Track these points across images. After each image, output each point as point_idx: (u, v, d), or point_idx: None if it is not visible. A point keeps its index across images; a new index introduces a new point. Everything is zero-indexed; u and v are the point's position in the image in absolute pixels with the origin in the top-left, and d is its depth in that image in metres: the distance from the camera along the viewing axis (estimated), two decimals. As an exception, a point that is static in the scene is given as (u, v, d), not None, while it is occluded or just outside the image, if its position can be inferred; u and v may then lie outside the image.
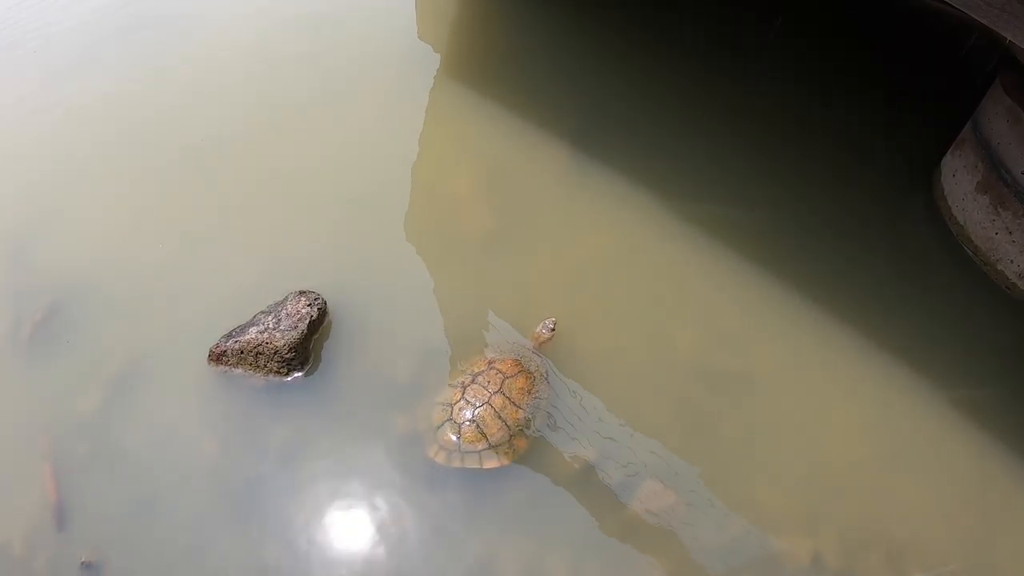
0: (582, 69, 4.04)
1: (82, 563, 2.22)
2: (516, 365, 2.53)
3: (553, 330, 2.67)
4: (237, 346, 2.58)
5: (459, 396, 2.43)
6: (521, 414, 2.42)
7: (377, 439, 2.48)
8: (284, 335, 2.56)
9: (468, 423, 2.37)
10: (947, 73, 4.03)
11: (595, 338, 2.78)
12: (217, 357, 2.61)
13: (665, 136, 3.65)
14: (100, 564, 2.23)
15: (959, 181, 3.22)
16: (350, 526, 2.32)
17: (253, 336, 2.58)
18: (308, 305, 2.65)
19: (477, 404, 2.40)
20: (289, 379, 2.60)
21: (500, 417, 2.38)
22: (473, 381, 2.46)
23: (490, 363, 2.52)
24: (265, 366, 2.57)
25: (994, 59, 3.65)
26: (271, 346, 2.55)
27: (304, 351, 2.62)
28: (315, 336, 2.69)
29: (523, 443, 2.42)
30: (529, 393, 2.47)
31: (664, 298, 2.97)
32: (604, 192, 3.32)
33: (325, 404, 2.56)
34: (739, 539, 2.35)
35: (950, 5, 2.70)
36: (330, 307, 2.77)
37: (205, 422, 2.54)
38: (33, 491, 2.38)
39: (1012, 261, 3.00)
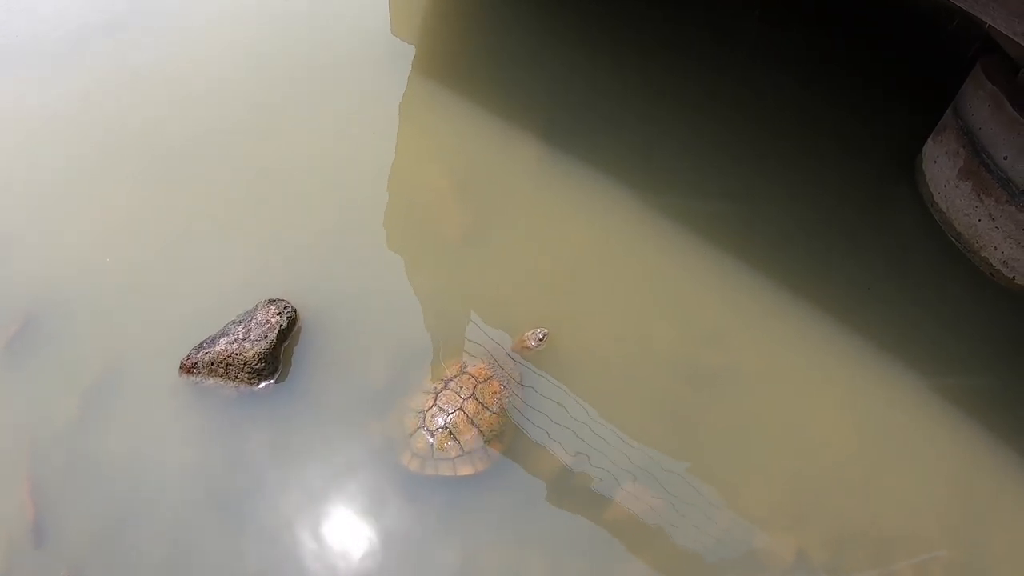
0: (555, 62, 3.99)
1: (62, 579, 2.18)
2: (488, 369, 2.49)
3: (542, 340, 2.62)
4: (207, 357, 2.54)
5: (431, 402, 2.39)
6: (495, 419, 2.38)
7: (350, 447, 2.45)
8: (254, 345, 2.52)
9: (441, 430, 2.33)
10: (927, 59, 3.98)
11: (573, 336, 2.74)
12: (188, 368, 2.57)
13: (642, 128, 3.61)
14: (79, 579, 2.18)
15: (941, 167, 3.17)
16: (326, 536, 2.28)
17: (223, 347, 2.54)
18: (277, 314, 2.61)
19: (450, 410, 2.36)
20: (260, 388, 2.55)
21: (473, 423, 2.34)
22: (445, 387, 2.42)
23: (463, 368, 2.48)
24: (236, 376, 2.54)
25: (974, 45, 3.60)
26: (240, 357, 2.51)
27: (274, 360, 2.58)
28: (285, 344, 2.64)
29: (498, 448, 2.38)
30: (503, 397, 2.43)
31: (643, 294, 2.93)
32: (580, 187, 3.28)
33: (297, 413, 2.52)
34: (723, 538, 2.32)
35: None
36: (301, 312, 2.73)
37: (179, 434, 2.50)
38: (10, 508, 2.33)
39: (996, 248, 2.96)
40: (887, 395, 2.67)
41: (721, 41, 4.16)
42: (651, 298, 2.92)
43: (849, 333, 2.82)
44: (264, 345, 2.53)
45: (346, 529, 2.29)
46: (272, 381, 2.57)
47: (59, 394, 2.58)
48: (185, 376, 2.58)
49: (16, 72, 3.87)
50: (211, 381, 2.56)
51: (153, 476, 2.40)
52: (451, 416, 2.35)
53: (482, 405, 2.37)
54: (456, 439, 2.32)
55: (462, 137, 3.52)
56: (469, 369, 2.47)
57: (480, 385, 2.41)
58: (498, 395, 2.42)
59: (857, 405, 2.65)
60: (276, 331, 2.56)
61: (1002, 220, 2.89)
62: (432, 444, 2.32)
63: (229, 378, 2.54)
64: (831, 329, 2.82)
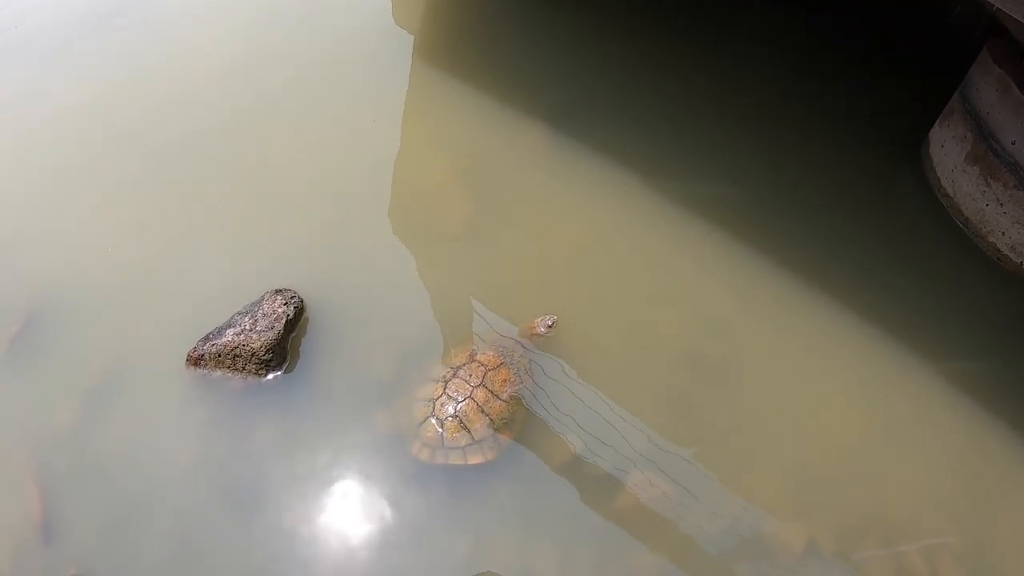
0: (559, 48, 3.96)
1: (71, 576, 2.18)
2: (498, 357, 2.47)
3: (551, 327, 2.62)
4: (214, 349, 2.53)
5: (441, 391, 2.38)
6: (505, 407, 2.37)
7: (360, 438, 2.44)
8: (261, 336, 2.51)
9: (451, 418, 2.32)
10: (932, 44, 3.96)
11: (580, 325, 2.72)
12: (195, 361, 2.56)
13: (646, 113, 3.59)
14: (88, 576, 2.18)
15: (948, 152, 3.16)
16: (337, 527, 2.27)
17: (230, 338, 2.53)
18: (284, 304, 2.60)
19: (459, 399, 2.35)
20: (268, 379, 2.54)
21: (483, 411, 2.33)
22: (455, 375, 2.40)
23: (471, 356, 2.47)
24: (243, 368, 2.52)
25: (979, 28, 3.57)
26: (248, 348, 2.49)
27: (282, 351, 2.57)
28: (292, 335, 2.64)
29: (508, 436, 2.37)
30: (512, 385, 2.42)
31: (649, 281, 2.91)
32: (585, 174, 3.26)
33: (305, 404, 2.51)
34: (731, 527, 2.31)
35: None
36: (308, 303, 2.72)
37: (186, 427, 2.49)
38: (18, 507, 2.32)
39: (1004, 233, 2.94)
40: (893, 381, 2.65)
41: (727, 30, 4.13)
42: (657, 285, 2.90)
43: (855, 319, 2.80)
44: (271, 336, 2.51)
45: (356, 520, 2.28)
46: (280, 372, 2.56)
47: (64, 391, 2.57)
48: (192, 369, 2.57)
49: (15, 69, 3.85)
50: (218, 373, 2.55)
51: (160, 471, 2.39)
52: (461, 404, 2.34)
53: (492, 393, 2.36)
54: (466, 428, 2.31)
55: (466, 126, 3.50)
56: (478, 357, 2.46)
57: (490, 373, 2.40)
58: (508, 383, 2.41)
59: (863, 391, 2.63)
60: (283, 321, 2.55)
61: (1010, 205, 2.88)
62: (442, 433, 2.31)
63: (236, 369, 2.53)
64: (837, 315, 2.81)
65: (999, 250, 2.98)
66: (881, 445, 2.51)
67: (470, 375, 2.40)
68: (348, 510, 2.30)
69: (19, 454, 2.43)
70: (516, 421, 2.41)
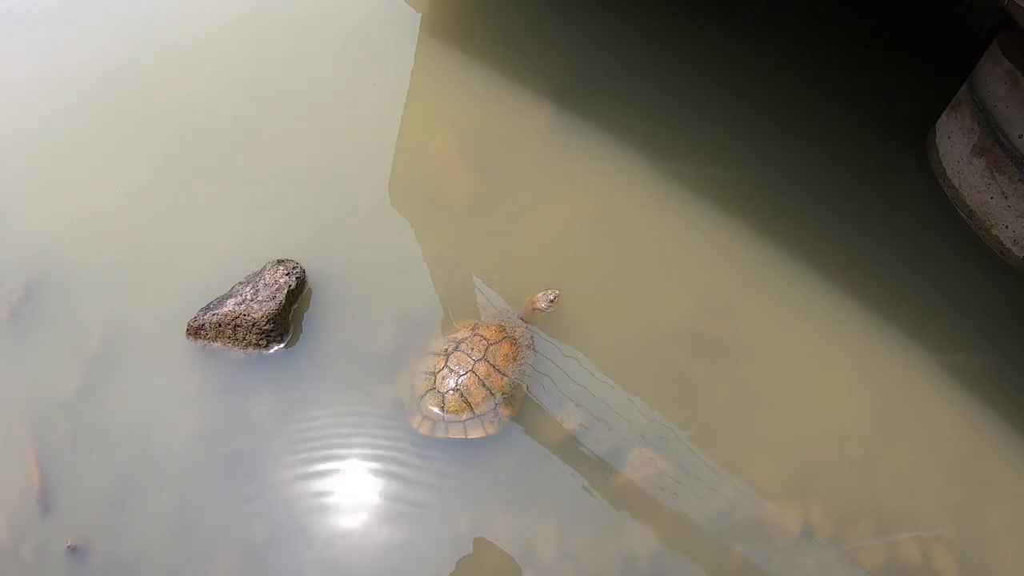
0: (567, 23, 3.93)
1: (68, 547, 2.18)
2: (500, 331, 2.46)
3: (552, 302, 2.60)
4: (215, 319, 2.51)
5: (442, 364, 2.37)
6: (506, 382, 2.36)
7: (361, 410, 2.43)
8: (262, 306, 2.49)
9: (452, 392, 2.31)
10: (942, 32, 3.95)
11: (582, 302, 2.72)
12: (195, 331, 2.54)
13: (653, 93, 3.57)
14: (87, 548, 2.19)
15: (954, 143, 3.16)
16: (336, 501, 2.27)
17: (230, 308, 2.51)
18: (286, 274, 2.58)
19: (461, 372, 2.34)
20: (270, 351, 2.53)
21: (485, 385, 2.32)
22: (456, 348, 2.39)
23: (474, 329, 2.46)
24: (244, 339, 2.51)
25: (990, 20, 3.57)
26: (249, 318, 2.48)
27: (283, 322, 2.55)
28: (294, 306, 2.62)
29: (509, 411, 2.36)
30: (514, 360, 2.41)
31: (652, 260, 2.91)
32: (591, 151, 3.25)
33: (307, 376, 2.50)
34: (728, 508, 2.32)
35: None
36: (310, 275, 2.70)
37: (186, 399, 2.47)
38: (16, 477, 2.31)
39: (1007, 226, 2.95)
40: (894, 370, 2.66)
41: (739, 13, 4.11)
42: (661, 265, 2.90)
43: (858, 306, 2.81)
44: (273, 306, 2.50)
45: (356, 492, 2.28)
46: (282, 345, 2.54)
47: (64, 362, 2.55)
48: (192, 340, 2.55)
49: (13, 35, 3.80)
50: (219, 344, 2.53)
51: (160, 442, 2.38)
52: (462, 378, 2.33)
53: (493, 367, 2.35)
54: (467, 401, 2.30)
55: (472, 99, 3.47)
56: (480, 330, 2.45)
57: (492, 347, 2.39)
58: (510, 357, 2.40)
59: (863, 379, 2.64)
60: (285, 291, 2.53)
61: (1015, 199, 2.88)
62: (443, 407, 2.30)
63: (237, 340, 2.51)
64: (839, 301, 2.81)
65: (1002, 243, 2.99)
66: (878, 433, 2.51)
67: (472, 349, 2.39)
68: (348, 482, 2.30)
69: (18, 424, 2.41)
70: (517, 396, 2.40)
